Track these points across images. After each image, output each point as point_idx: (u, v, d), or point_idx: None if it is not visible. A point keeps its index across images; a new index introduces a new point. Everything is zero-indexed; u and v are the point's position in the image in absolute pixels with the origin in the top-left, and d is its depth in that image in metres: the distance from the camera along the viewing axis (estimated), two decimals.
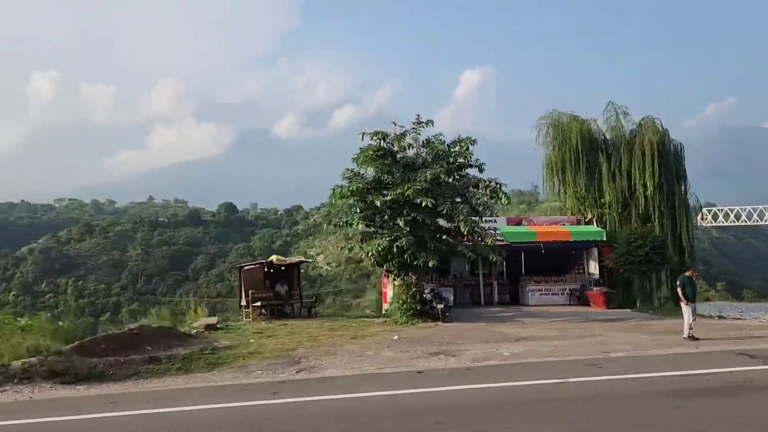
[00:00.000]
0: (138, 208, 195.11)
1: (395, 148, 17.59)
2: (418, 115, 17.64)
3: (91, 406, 8.64)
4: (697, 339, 12.74)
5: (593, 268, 21.83)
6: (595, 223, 22.73)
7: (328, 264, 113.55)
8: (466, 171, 17.89)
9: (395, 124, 17.88)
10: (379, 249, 16.06)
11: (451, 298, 19.07)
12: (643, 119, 24.01)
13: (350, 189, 16.60)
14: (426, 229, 16.31)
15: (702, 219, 40.70)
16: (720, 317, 18.85)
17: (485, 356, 11.66)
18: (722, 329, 15.52)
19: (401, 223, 16.03)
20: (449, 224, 17.04)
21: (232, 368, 11.23)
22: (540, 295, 21.94)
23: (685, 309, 13.09)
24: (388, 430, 7.09)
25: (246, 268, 19.30)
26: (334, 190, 17.98)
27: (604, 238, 21.36)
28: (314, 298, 20.80)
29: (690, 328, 12.93)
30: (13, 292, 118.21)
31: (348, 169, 17.28)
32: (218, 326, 15.78)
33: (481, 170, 17.73)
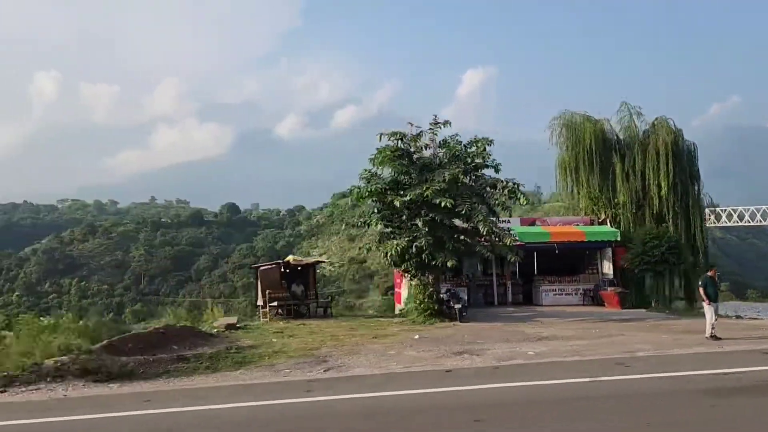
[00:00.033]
0: (140, 209, 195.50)
1: (412, 149, 17.67)
2: (435, 116, 17.72)
3: (126, 403, 8.70)
4: (720, 339, 12.80)
5: (607, 268, 21.88)
6: (608, 224, 22.79)
7: (331, 264, 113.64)
8: (482, 171, 17.97)
9: (411, 125, 17.96)
10: (398, 249, 16.11)
11: (465, 298, 19.11)
12: (656, 119, 24.07)
13: (369, 190, 16.66)
14: (444, 229, 16.38)
15: (705, 219, 40.66)
16: (737, 317, 18.93)
17: (510, 355, 11.73)
18: (741, 329, 15.59)
19: (420, 224, 16.08)
20: (466, 224, 17.10)
21: (259, 367, 11.31)
22: (554, 295, 22.01)
23: (708, 309, 13.15)
24: (427, 428, 7.15)
25: (263, 268, 19.38)
26: (351, 190, 18.06)
27: (619, 239, 21.43)
28: (330, 298, 20.80)
29: (712, 328, 12.99)
30: (16, 293, 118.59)
31: (366, 170, 17.35)
32: (237, 326, 15.86)
33: (497, 170, 17.80)
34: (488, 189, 17.16)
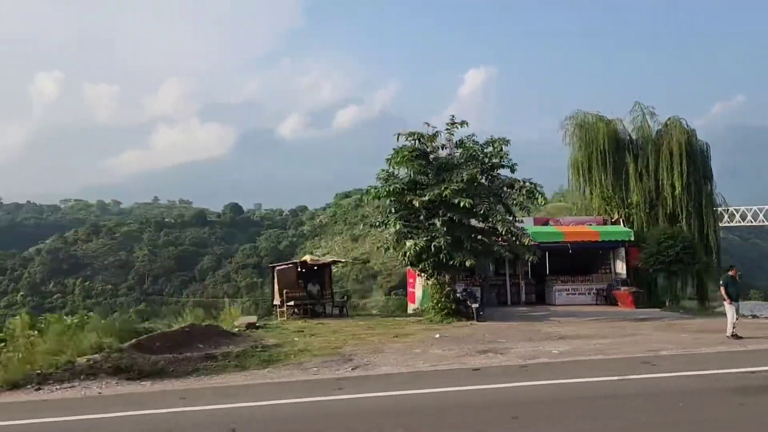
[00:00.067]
0: (143, 209, 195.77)
1: (428, 149, 17.77)
2: (453, 116, 17.85)
3: (162, 401, 8.80)
4: (741, 338, 12.89)
5: (620, 267, 21.97)
6: (621, 223, 22.87)
7: (333, 264, 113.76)
8: (498, 171, 18.06)
9: (428, 125, 18.06)
10: (416, 249, 16.21)
11: (479, 297, 19.18)
12: (669, 119, 24.15)
13: (387, 190, 16.76)
14: (462, 229, 16.47)
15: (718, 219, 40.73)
16: (753, 316, 19.01)
17: (534, 354, 11.81)
18: (757, 328, 15.68)
19: (438, 223, 16.17)
20: (482, 224, 17.20)
21: (286, 366, 11.41)
22: (567, 294, 22.11)
23: (729, 308, 13.24)
24: (467, 425, 7.24)
25: (280, 268, 19.49)
26: (368, 190, 18.16)
27: (632, 238, 21.51)
28: (345, 298, 20.90)
29: (733, 327, 13.08)
30: (21, 293, 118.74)
31: (383, 170, 17.46)
32: (258, 325, 15.97)
33: (513, 170, 17.89)
34: (505, 189, 17.24)
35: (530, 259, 16.81)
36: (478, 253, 16.86)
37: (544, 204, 17.59)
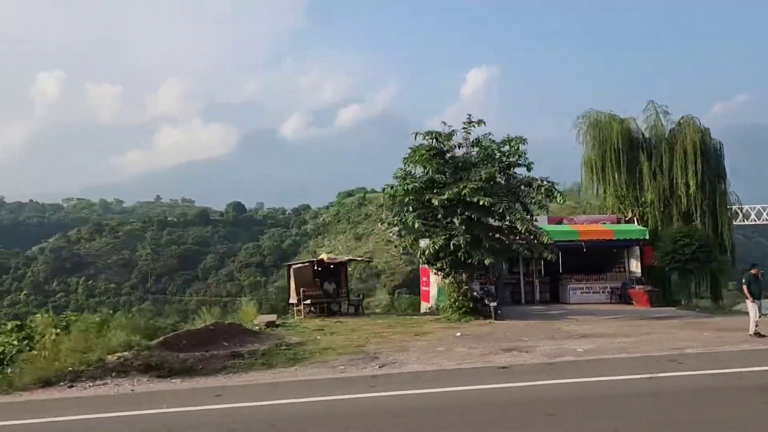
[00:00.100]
0: (145, 208, 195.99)
1: (445, 148, 17.79)
2: (470, 115, 17.87)
3: (198, 398, 8.83)
4: (764, 336, 12.90)
5: (635, 266, 21.99)
6: (635, 222, 22.89)
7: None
8: (514, 170, 18.07)
9: (444, 124, 18.09)
10: (436, 247, 16.25)
11: (497, 296, 19.21)
12: (682, 118, 24.16)
13: (405, 188, 16.78)
14: (481, 227, 16.49)
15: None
16: None
17: (559, 352, 11.83)
18: None
19: (457, 222, 16.19)
20: (499, 223, 17.22)
21: (313, 363, 11.45)
22: (581, 293, 22.14)
23: (751, 306, 13.27)
24: (503, 421, 7.26)
25: (296, 266, 19.52)
26: (384, 189, 18.17)
27: (647, 237, 21.53)
28: (361, 296, 20.94)
29: (756, 325, 13.09)
30: (24, 291, 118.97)
31: (400, 169, 17.48)
32: (277, 323, 16.00)
33: (529, 169, 17.90)
34: (522, 187, 17.26)
35: (548, 257, 16.81)
36: (497, 252, 16.89)
37: (563, 203, 17.60)
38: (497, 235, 17.01)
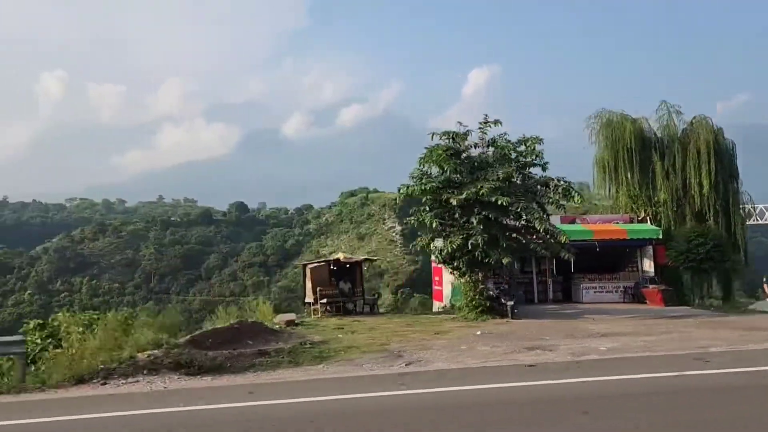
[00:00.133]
0: (148, 207, 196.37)
1: (461, 148, 17.87)
2: (486, 115, 17.94)
3: (232, 396, 8.90)
4: None
5: (648, 266, 22.06)
6: (648, 221, 22.96)
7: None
8: (529, 170, 18.14)
9: (460, 124, 18.17)
10: (454, 246, 16.33)
11: (513, 295, 19.27)
12: (694, 118, 24.25)
13: (422, 188, 16.86)
14: (498, 227, 16.57)
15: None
16: None
17: (583, 351, 11.89)
18: None
19: (474, 221, 16.26)
20: (516, 222, 17.29)
21: (339, 361, 11.52)
22: (594, 292, 22.22)
23: None
24: (540, 418, 7.33)
25: (312, 266, 19.63)
26: (399, 189, 18.24)
27: (660, 237, 21.60)
28: (376, 295, 21.06)
29: None
30: (28, 291, 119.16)
31: (417, 169, 17.56)
32: (296, 322, 16.09)
33: (544, 169, 17.97)
34: (539, 187, 17.34)
35: (566, 257, 16.87)
36: (514, 251, 16.96)
37: (580, 203, 17.66)
38: (514, 235, 17.08)
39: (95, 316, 15.00)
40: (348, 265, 19.92)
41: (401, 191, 18.08)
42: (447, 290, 21.59)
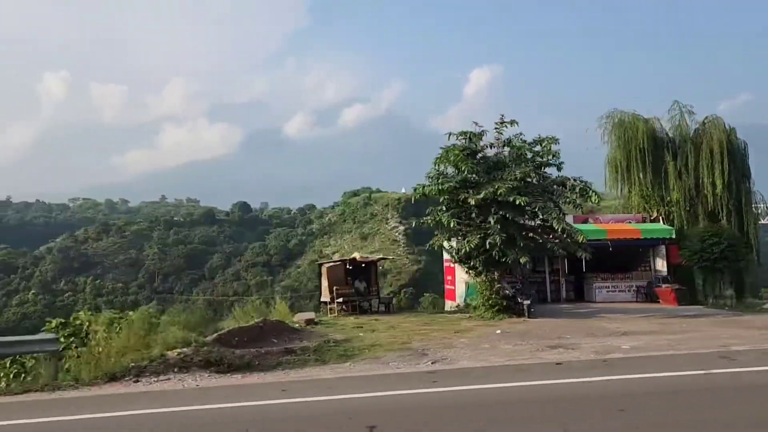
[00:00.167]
0: (151, 207, 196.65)
1: (477, 148, 17.94)
2: (502, 115, 17.99)
3: (266, 393, 8.97)
4: None
5: (660, 265, 22.14)
6: (660, 221, 23.04)
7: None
8: (544, 170, 18.20)
9: (476, 124, 18.23)
10: (472, 246, 16.41)
11: (530, 294, 19.36)
12: (706, 118, 24.34)
13: (439, 188, 16.94)
14: (515, 226, 16.65)
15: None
16: None
17: (606, 349, 11.95)
18: None
19: (492, 221, 16.34)
20: (532, 222, 17.37)
21: (364, 359, 11.60)
22: (607, 292, 22.31)
23: None
24: (578, 414, 7.39)
25: (329, 265, 19.72)
26: (415, 189, 18.30)
27: (674, 236, 21.69)
28: (391, 295, 21.11)
29: None
30: (32, 291, 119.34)
31: (434, 169, 17.64)
32: (315, 321, 16.17)
33: (559, 169, 18.04)
34: (556, 187, 17.41)
35: (583, 256, 16.94)
36: (531, 251, 17.03)
37: (598, 202, 17.75)
38: (530, 234, 17.15)
39: (116, 315, 15.07)
40: (363, 265, 20.02)
41: (417, 191, 18.14)
42: (460, 289, 21.67)
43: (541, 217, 16.91)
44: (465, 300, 20.47)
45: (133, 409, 8.25)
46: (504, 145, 18.13)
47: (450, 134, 17.68)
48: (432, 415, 7.50)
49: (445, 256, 24.34)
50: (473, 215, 17.34)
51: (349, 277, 19.51)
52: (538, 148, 17.83)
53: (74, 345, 13.46)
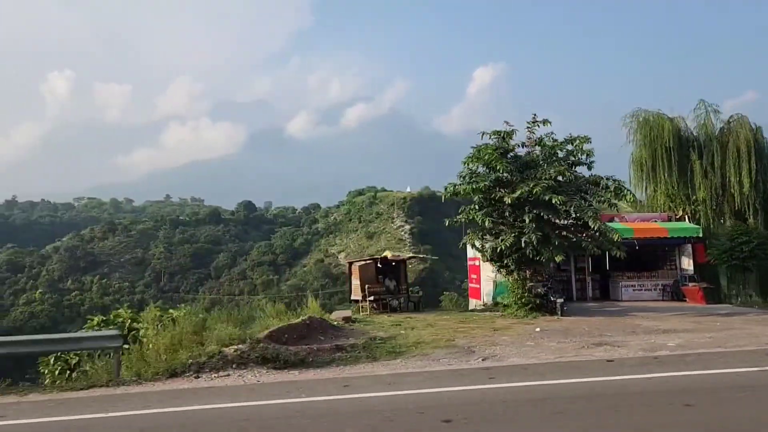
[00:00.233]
0: (155, 207, 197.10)
1: (509, 147, 18.05)
2: (534, 114, 18.10)
3: (329, 389, 9.09)
4: None
5: (686, 264, 22.21)
6: (686, 220, 23.11)
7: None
8: (575, 168, 18.29)
9: (507, 123, 18.34)
10: (507, 244, 16.51)
11: (563, 293, 19.52)
12: (732, 117, 24.41)
13: (473, 187, 17.04)
14: (550, 225, 16.75)
15: None
16: None
17: (651, 347, 12.04)
18: None
19: (527, 220, 16.44)
20: (566, 221, 17.45)
21: (414, 356, 11.71)
22: (633, 290, 22.38)
23: None
24: (642, 409, 7.43)
25: (361, 264, 19.85)
26: (446, 188, 18.39)
27: (701, 235, 21.77)
28: (420, 293, 21.26)
29: None
30: (39, 290, 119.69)
31: (467, 168, 17.74)
32: (353, 319, 16.29)
33: (590, 168, 18.14)
34: (590, 186, 17.50)
35: (618, 255, 17.02)
36: (565, 249, 17.14)
37: (633, 201, 17.83)
38: (564, 233, 17.25)
39: (157, 312, 15.21)
40: (394, 263, 20.14)
41: (447, 190, 18.24)
42: (487, 288, 21.75)
43: (573, 215, 16.99)
44: (493, 298, 20.56)
45: (204, 403, 8.38)
46: (536, 144, 18.24)
47: (483, 133, 17.82)
48: (503, 409, 7.62)
49: (469, 255, 24.44)
50: (506, 214, 17.45)
51: (380, 275, 19.63)
52: (570, 146, 17.93)
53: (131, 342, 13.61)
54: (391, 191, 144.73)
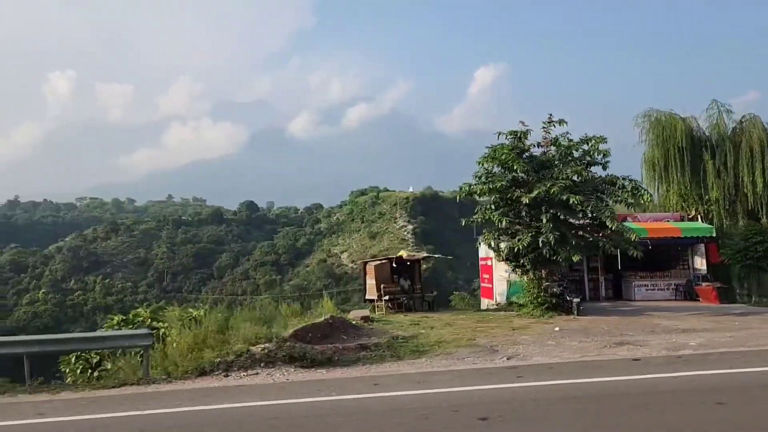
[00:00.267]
0: (157, 207, 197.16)
1: (525, 147, 18.08)
2: (550, 114, 18.14)
3: (358, 387, 9.13)
4: None
5: (699, 263, 22.25)
6: (699, 220, 23.15)
7: (353, 262, 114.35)
8: (590, 168, 18.32)
9: (522, 123, 18.36)
10: (524, 244, 16.55)
11: (579, 293, 19.55)
12: (744, 117, 24.44)
13: (489, 187, 17.08)
14: (566, 225, 16.78)
15: None
16: None
17: (674, 346, 12.07)
18: None
19: (544, 219, 16.47)
20: (582, 221, 17.48)
21: (438, 355, 11.76)
22: (646, 290, 22.40)
23: None
24: (673, 407, 7.47)
25: (376, 263, 19.89)
26: (461, 188, 18.42)
27: (714, 234, 21.81)
28: (435, 293, 21.30)
29: None
30: (42, 290, 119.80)
31: (483, 168, 17.76)
32: (371, 318, 16.33)
33: (605, 168, 18.16)
34: (606, 186, 17.53)
35: (635, 254, 17.04)
36: (582, 249, 17.17)
37: (650, 201, 17.87)
38: (580, 233, 17.28)
39: (175, 311, 15.27)
40: (408, 263, 20.19)
41: (462, 189, 18.27)
42: (501, 287, 21.78)
43: (590, 215, 17.02)
44: (508, 298, 20.59)
45: (234, 402, 8.42)
46: (551, 144, 18.26)
47: (499, 133, 17.84)
48: (534, 407, 7.66)
49: (481, 254, 24.48)
50: (523, 214, 17.48)
51: (394, 275, 19.67)
52: (585, 146, 17.95)
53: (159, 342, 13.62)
54: (394, 191, 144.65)
